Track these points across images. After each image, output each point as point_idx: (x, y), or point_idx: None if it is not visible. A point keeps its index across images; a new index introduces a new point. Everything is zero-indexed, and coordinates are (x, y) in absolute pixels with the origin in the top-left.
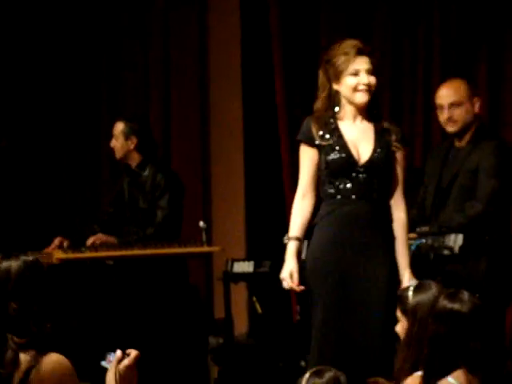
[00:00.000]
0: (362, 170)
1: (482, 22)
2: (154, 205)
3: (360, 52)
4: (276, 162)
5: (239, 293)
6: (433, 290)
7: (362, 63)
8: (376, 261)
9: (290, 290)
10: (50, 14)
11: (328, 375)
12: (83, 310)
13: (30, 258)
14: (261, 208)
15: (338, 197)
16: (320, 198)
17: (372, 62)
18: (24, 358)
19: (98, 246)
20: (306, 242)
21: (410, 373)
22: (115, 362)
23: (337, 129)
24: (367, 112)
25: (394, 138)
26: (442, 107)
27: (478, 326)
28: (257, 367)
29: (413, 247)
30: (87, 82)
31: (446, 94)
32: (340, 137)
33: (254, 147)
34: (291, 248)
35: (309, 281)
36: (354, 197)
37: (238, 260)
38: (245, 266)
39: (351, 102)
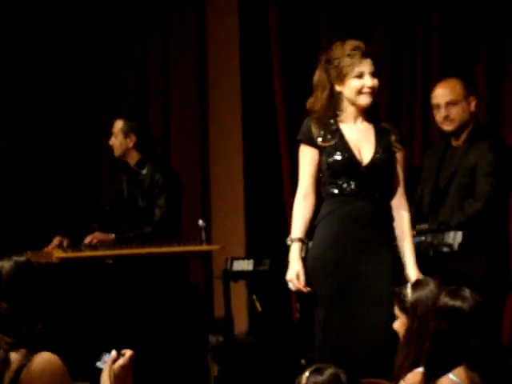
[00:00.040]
0: (364, 170)
1: (481, 22)
2: (153, 203)
3: (365, 55)
4: (275, 160)
5: (239, 291)
6: (431, 286)
7: (366, 65)
8: (378, 259)
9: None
10: (49, 14)
11: (328, 372)
12: (83, 308)
13: (22, 258)
14: (260, 206)
15: (340, 196)
16: (321, 199)
17: (375, 64)
18: (15, 357)
19: (96, 244)
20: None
21: (411, 369)
22: (110, 362)
23: (338, 130)
24: (366, 113)
25: (393, 138)
26: (438, 106)
27: (478, 323)
28: (257, 365)
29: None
30: (87, 82)
31: (442, 94)
32: (342, 138)
33: (253, 146)
34: (295, 250)
35: (310, 280)
36: (356, 196)
37: (238, 258)
38: (244, 265)
39: (353, 104)
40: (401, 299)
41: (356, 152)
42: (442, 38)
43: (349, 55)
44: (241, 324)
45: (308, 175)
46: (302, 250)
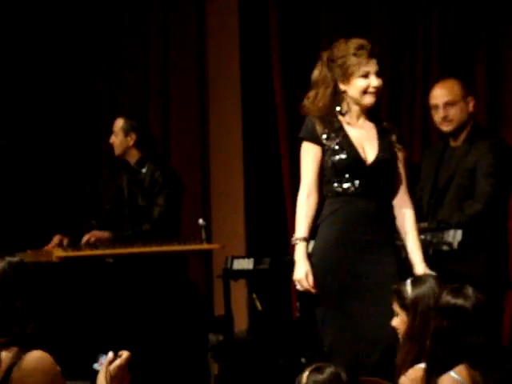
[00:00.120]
0: (368, 170)
1: (480, 22)
2: (152, 201)
3: (371, 54)
4: (275, 159)
5: (239, 290)
6: (431, 282)
7: (372, 65)
8: (381, 259)
9: (291, 287)
10: (49, 14)
11: (328, 371)
12: (83, 307)
13: (15, 258)
14: (260, 205)
15: (343, 196)
16: (323, 197)
17: (379, 64)
18: (6, 355)
19: (93, 242)
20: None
21: (412, 365)
22: (106, 363)
23: (341, 129)
24: (368, 112)
25: (394, 138)
26: (436, 107)
27: (481, 321)
28: (257, 364)
29: None
30: (87, 81)
31: (440, 94)
32: (346, 137)
33: (253, 145)
34: (301, 249)
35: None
36: (359, 196)
37: (238, 257)
38: (244, 264)
39: (357, 103)
40: (400, 296)
41: (360, 151)
42: (442, 38)
43: (355, 54)
44: (241, 323)
45: (311, 173)
46: (307, 249)
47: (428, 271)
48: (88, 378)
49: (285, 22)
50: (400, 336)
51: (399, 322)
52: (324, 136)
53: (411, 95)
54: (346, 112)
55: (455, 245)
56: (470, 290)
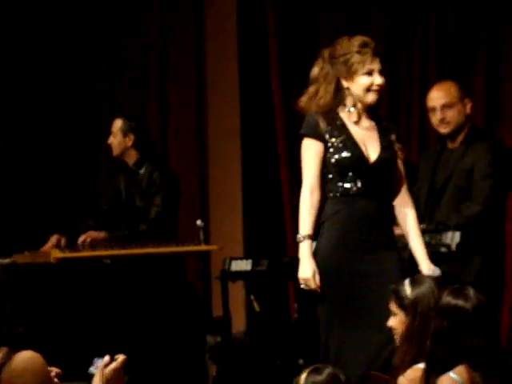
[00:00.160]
0: (371, 169)
1: (479, 22)
2: (149, 202)
3: (375, 53)
4: (274, 160)
5: (237, 291)
6: (429, 283)
7: (376, 63)
8: (384, 258)
9: (289, 289)
10: (49, 15)
11: (327, 372)
12: (81, 308)
13: (7, 260)
14: (258, 206)
15: (346, 195)
16: (324, 194)
17: (382, 62)
18: None
19: (90, 243)
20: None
21: (411, 365)
22: (102, 366)
23: (344, 126)
24: (369, 111)
25: (394, 137)
26: (434, 109)
27: (481, 322)
28: (255, 365)
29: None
30: (86, 82)
31: (437, 96)
32: (349, 135)
33: (251, 147)
34: (307, 247)
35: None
36: (361, 195)
37: (236, 258)
38: (243, 265)
39: (360, 101)
40: (399, 296)
41: (363, 149)
42: (440, 39)
43: (359, 52)
44: (239, 324)
45: (314, 170)
46: (312, 247)
47: (433, 268)
48: (86, 380)
49: (283, 23)
50: (397, 336)
51: (397, 322)
52: (327, 133)
53: (409, 96)
54: (349, 109)
55: (453, 246)
56: (470, 291)
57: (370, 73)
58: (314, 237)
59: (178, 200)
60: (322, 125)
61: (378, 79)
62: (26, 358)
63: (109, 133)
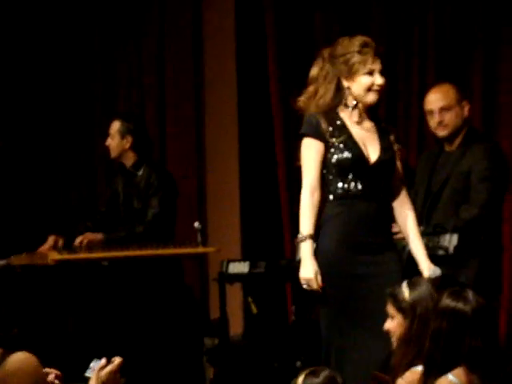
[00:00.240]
0: (371, 169)
1: (476, 24)
2: (147, 204)
3: (376, 53)
4: (271, 162)
5: (234, 293)
6: (426, 285)
7: (377, 63)
8: (385, 259)
9: (286, 290)
10: (44, 18)
11: (324, 374)
12: (79, 310)
13: (2, 262)
14: (256, 209)
15: (346, 197)
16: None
17: (382, 63)
18: None
19: (87, 244)
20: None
21: (408, 368)
22: (98, 369)
23: (345, 126)
24: (368, 111)
25: (393, 138)
26: (431, 112)
27: (480, 325)
28: (252, 368)
29: (408, 247)
30: (82, 84)
31: (435, 99)
32: (349, 135)
33: (249, 147)
34: (308, 247)
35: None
36: (362, 197)
37: (234, 261)
38: (240, 267)
39: (360, 101)
40: (396, 299)
41: (364, 150)
42: (438, 40)
43: (359, 52)
44: (236, 326)
45: (314, 170)
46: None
47: (434, 268)
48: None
49: (281, 24)
50: (394, 339)
51: (395, 324)
52: (328, 133)
53: (407, 98)
54: (349, 110)
55: (451, 249)
56: (470, 294)
57: (370, 73)
58: (315, 237)
59: (175, 202)
60: (324, 124)
61: (378, 79)
62: (20, 358)
63: (105, 135)
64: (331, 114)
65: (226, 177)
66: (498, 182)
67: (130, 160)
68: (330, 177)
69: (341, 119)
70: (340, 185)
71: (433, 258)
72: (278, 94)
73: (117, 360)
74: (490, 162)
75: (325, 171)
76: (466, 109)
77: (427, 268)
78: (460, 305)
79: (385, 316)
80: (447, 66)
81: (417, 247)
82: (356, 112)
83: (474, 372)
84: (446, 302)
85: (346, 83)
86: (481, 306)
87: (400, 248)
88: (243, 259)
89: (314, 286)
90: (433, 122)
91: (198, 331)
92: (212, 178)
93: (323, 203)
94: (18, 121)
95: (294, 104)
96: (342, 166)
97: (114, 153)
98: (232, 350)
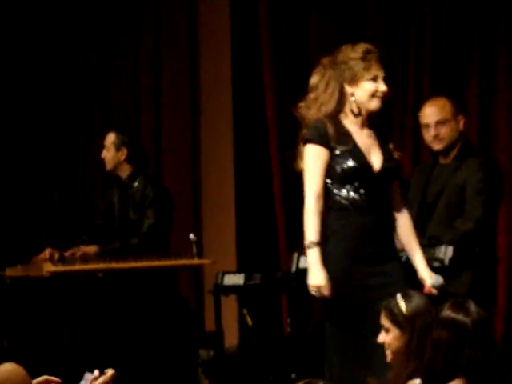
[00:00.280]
0: (375, 178)
1: (472, 34)
2: (142, 215)
3: (380, 60)
4: (267, 174)
5: (230, 305)
6: (422, 297)
7: (380, 70)
8: (390, 269)
9: (281, 302)
10: (41, 22)
11: None
12: (74, 322)
13: None
14: (251, 221)
15: (351, 208)
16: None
17: (385, 70)
18: None
19: (80, 256)
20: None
21: (406, 382)
22: (90, 380)
23: (349, 134)
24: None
25: (392, 146)
26: (427, 126)
27: (480, 337)
28: (247, 380)
29: (403, 259)
30: (79, 94)
31: (431, 113)
32: (354, 143)
33: (244, 159)
34: (316, 254)
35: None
36: (366, 207)
37: (229, 273)
38: (235, 279)
39: (363, 107)
40: (392, 312)
41: (369, 159)
42: (434, 50)
43: (363, 58)
44: (231, 338)
45: (319, 177)
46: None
47: (435, 276)
48: None
49: (276, 29)
50: (389, 352)
51: (391, 338)
52: (334, 140)
53: (402, 109)
54: (351, 117)
55: (446, 261)
56: (472, 305)
57: (374, 79)
58: (321, 244)
59: (170, 214)
60: (331, 130)
61: (382, 86)
62: (8, 369)
63: (101, 147)
64: (337, 120)
65: (222, 189)
66: (493, 195)
67: (125, 172)
68: (334, 185)
69: (344, 126)
70: (344, 194)
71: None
72: (274, 107)
73: (109, 372)
74: (485, 175)
75: (328, 180)
76: (462, 122)
77: (429, 276)
78: (460, 316)
79: None
80: (443, 76)
81: (416, 256)
82: (359, 119)
83: None
84: (447, 312)
85: (349, 89)
86: (482, 318)
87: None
88: (238, 271)
89: (325, 292)
90: (428, 135)
91: (193, 343)
92: (207, 190)
93: (326, 213)
94: (15, 132)
95: (294, 111)
96: (347, 175)
97: (109, 165)
98: (227, 362)
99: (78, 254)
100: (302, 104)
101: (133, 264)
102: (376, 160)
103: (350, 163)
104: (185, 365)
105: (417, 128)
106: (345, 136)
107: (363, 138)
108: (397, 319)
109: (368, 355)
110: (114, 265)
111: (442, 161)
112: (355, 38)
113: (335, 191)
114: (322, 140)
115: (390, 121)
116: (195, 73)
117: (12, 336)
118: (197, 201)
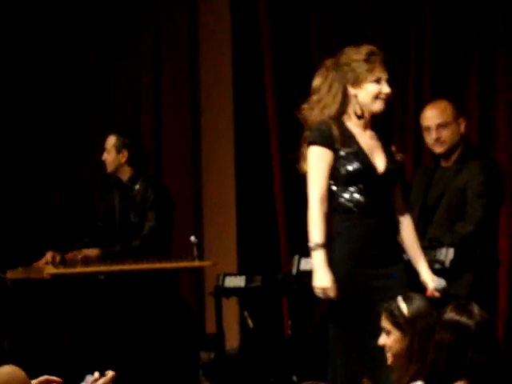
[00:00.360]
0: (379, 179)
1: (472, 35)
2: (143, 217)
3: (383, 62)
4: (268, 176)
5: (231, 307)
6: (423, 299)
7: (384, 72)
8: (395, 271)
9: (282, 305)
10: (45, 21)
11: None
12: (75, 324)
13: None
14: (252, 223)
15: (355, 210)
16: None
17: (389, 73)
18: None
19: (81, 259)
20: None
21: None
22: (91, 383)
23: (353, 136)
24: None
25: (394, 148)
26: (428, 129)
27: (483, 340)
28: (248, 382)
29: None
30: (79, 95)
31: (432, 115)
32: (359, 145)
33: (245, 161)
34: (322, 256)
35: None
36: (370, 209)
37: (230, 275)
38: (236, 281)
39: (367, 109)
40: (393, 314)
41: (372, 161)
42: (434, 50)
43: (367, 60)
44: (232, 340)
45: (323, 179)
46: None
47: (437, 279)
48: None
49: (277, 29)
50: (390, 354)
51: (391, 340)
52: (339, 142)
53: (403, 114)
54: (355, 119)
55: (447, 263)
56: (475, 308)
57: (377, 81)
58: (326, 246)
59: (171, 216)
60: (335, 133)
61: (385, 88)
62: (7, 372)
63: (102, 149)
64: (341, 122)
65: (223, 191)
66: (494, 198)
67: (126, 174)
68: (338, 188)
69: (348, 128)
70: (348, 196)
71: None
72: (275, 108)
73: (110, 373)
74: (486, 178)
75: (332, 182)
76: (463, 125)
77: (431, 279)
78: (464, 318)
79: None
80: (443, 76)
81: (419, 259)
82: (362, 121)
83: None
84: (451, 315)
85: (352, 91)
86: (485, 321)
87: None
88: (239, 273)
89: (331, 294)
90: (430, 138)
91: (194, 345)
92: (208, 192)
93: (330, 215)
94: (16, 136)
95: (296, 113)
96: (352, 177)
97: (110, 167)
98: (228, 364)
99: (80, 256)
100: (304, 106)
101: (133, 266)
102: (380, 162)
103: (355, 165)
104: (186, 367)
105: (418, 129)
106: (349, 138)
107: (366, 140)
108: (398, 321)
109: (372, 357)
110: (115, 267)
111: (443, 164)
112: (355, 38)
113: (339, 193)
114: (326, 142)
115: (390, 122)
116: (195, 73)
117: (13, 338)
118: (197, 202)
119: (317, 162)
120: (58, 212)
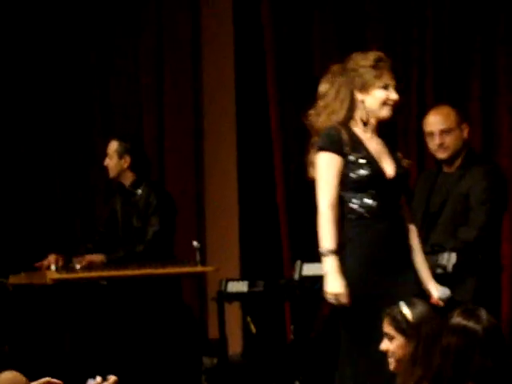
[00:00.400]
0: (389, 185)
1: (473, 37)
2: (146, 223)
3: (391, 68)
4: (270, 181)
5: (233, 313)
6: (425, 304)
7: (391, 79)
8: (406, 278)
9: (285, 310)
10: (45, 21)
11: None
12: (77, 329)
13: None
14: (255, 228)
15: (366, 216)
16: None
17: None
18: None
19: (85, 265)
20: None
21: None
22: None
23: (361, 142)
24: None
25: (400, 154)
26: (432, 134)
27: (490, 344)
28: None
29: None
30: (79, 95)
31: (435, 121)
32: (367, 151)
33: (248, 166)
34: (334, 262)
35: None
36: (380, 215)
37: (232, 280)
38: (239, 286)
39: (374, 115)
40: (396, 319)
41: (381, 167)
42: (436, 55)
43: (375, 66)
44: (235, 346)
45: (333, 186)
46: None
47: (441, 288)
48: None
49: (279, 30)
50: (393, 360)
51: (395, 346)
52: (349, 148)
53: (406, 115)
54: (362, 124)
55: (449, 268)
56: (483, 313)
57: (385, 87)
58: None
59: (174, 221)
60: (345, 138)
61: (393, 94)
62: (8, 377)
63: (104, 155)
64: (349, 128)
65: (225, 196)
66: (497, 203)
67: (128, 179)
68: (348, 194)
69: (356, 134)
70: (359, 201)
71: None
72: (278, 118)
73: (112, 378)
74: (490, 184)
75: (342, 187)
76: (466, 131)
77: (435, 288)
78: (471, 323)
79: None
80: (446, 81)
81: (422, 266)
82: (369, 127)
83: None
84: (458, 319)
85: (360, 96)
86: (492, 325)
87: None
88: (242, 278)
89: (344, 300)
90: (433, 144)
91: (196, 350)
92: (211, 197)
93: (341, 220)
94: (13, 131)
95: (303, 119)
96: (362, 183)
97: (112, 173)
98: (231, 370)
99: (84, 262)
100: (311, 112)
101: (136, 272)
102: (388, 167)
103: (365, 171)
104: (188, 372)
105: (420, 133)
106: (357, 143)
107: (374, 146)
108: (401, 326)
109: (381, 367)
110: (118, 272)
111: (445, 169)
112: (355, 38)
113: (349, 199)
114: (335, 147)
115: (393, 127)
116: (198, 75)
117: (14, 343)
118: (200, 208)
119: (326, 168)
120: (59, 217)
